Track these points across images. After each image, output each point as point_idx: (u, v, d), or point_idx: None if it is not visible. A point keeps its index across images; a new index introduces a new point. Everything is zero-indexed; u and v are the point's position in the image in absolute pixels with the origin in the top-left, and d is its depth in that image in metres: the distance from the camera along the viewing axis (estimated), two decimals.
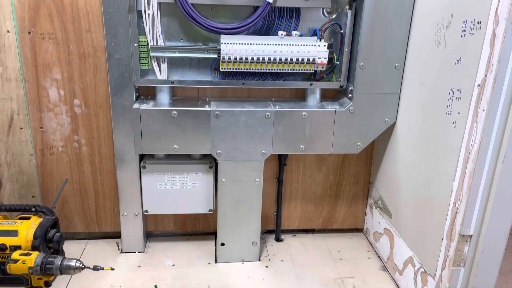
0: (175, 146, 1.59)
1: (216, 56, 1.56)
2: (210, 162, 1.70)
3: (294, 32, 1.57)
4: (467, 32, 1.17)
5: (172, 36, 1.59)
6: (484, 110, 1.10)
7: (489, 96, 1.08)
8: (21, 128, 1.66)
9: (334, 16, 1.62)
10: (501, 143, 1.12)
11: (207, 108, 1.56)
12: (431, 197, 1.37)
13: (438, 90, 1.32)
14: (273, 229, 1.97)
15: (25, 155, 1.70)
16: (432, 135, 1.36)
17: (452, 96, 1.24)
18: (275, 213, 1.93)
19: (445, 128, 1.28)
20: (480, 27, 1.11)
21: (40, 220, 1.53)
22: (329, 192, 1.93)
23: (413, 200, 1.51)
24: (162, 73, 1.59)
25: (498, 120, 1.10)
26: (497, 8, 1.04)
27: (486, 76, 1.09)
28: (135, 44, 1.51)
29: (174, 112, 1.55)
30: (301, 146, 1.64)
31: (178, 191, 1.71)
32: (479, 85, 1.12)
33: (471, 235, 1.23)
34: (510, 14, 1.01)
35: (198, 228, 1.94)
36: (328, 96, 1.76)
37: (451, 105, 1.24)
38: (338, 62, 1.64)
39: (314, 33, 1.61)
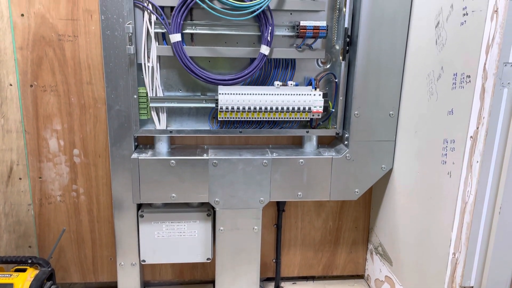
0: (173, 195, 1.59)
1: (214, 105, 1.60)
2: (208, 209, 1.69)
3: (290, 82, 1.61)
4: (457, 85, 1.20)
5: (171, 87, 1.63)
6: (477, 161, 1.12)
7: (482, 148, 1.10)
8: (20, 179, 1.67)
9: (328, 66, 1.67)
10: (497, 194, 1.12)
11: (205, 156, 1.58)
12: (431, 246, 1.36)
13: (432, 139, 1.34)
14: (273, 276, 1.93)
15: (23, 205, 1.70)
16: (429, 184, 1.37)
17: (446, 146, 1.25)
18: (274, 260, 1.91)
19: (440, 177, 1.29)
20: (470, 81, 1.14)
21: (36, 272, 1.51)
22: (329, 238, 1.91)
23: (413, 248, 1.49)
24: (161, 122, 1.62)
25: (492, 172, 1.11)
26: (485, 64, 1.08)
27: (478, 128, 1.11)
28: (135, 96, 1.54)
29: (172, 161, 1.56)
30: (299, 193, 1.64)
31: (176, 240, 1.69)
32: (471, 137, 1.13)
33: (472, 287, 1.21)
34: (498, 70, 1.05)
35: (196, 277, 1.90)
36: (325, 142, 1.78)
37: (446, 155, 1.26)
38: (333, 110, 1.67)
39: (309, 83, 1.65)
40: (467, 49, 1.15)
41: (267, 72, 1.65)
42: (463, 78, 1.17)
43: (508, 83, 1.06)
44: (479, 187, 1.13)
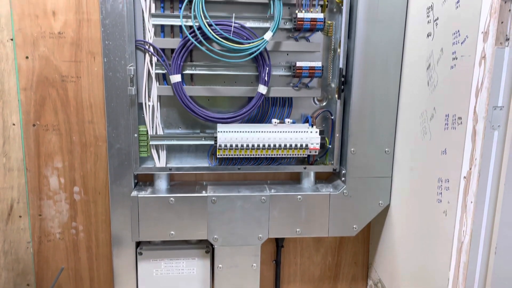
0: (172, 232, 1.60)
1: (213, 142, 1.63)
2: (207, 246, 1.70)
3: (287, 120, 1.64)
4: (449, 126, 1.23)
5: (171, 125, 1.67)
6: (471, 202, 1.13)
7: (475, 189, 1.12)
8: (20, 216, 1.68)
9: (324, 104, 1.71)
10: (492, 234, 1.14)
11: (204, 193, 1.60)
12: (430, 284, 1.36)
13: (427, 177, 1.36)
14: None
15: (22, 243, 1.70)
16: (425, 221, 1.38)
17: (441, 185, 1.27)
18: None
19: (436, 215, 1.30)
20: (461, 123, 1.17)
21: None
22: (328, 274, 1.90)
23: (412, 286, 1.49)
24: (160, 160, 1.64)
25: (486, 213, 1.12)
26: (475, 107, 1.11)
27: (470, 169, 1.14)
28: (135, 135, 1.57)
29: (171, 199, 1.58)
30: (298, 230, 1.65)
31: (175, 278, 1.69)
32: (464, 177, 1.16)
33: None
34: (487, 114, 1.08)
35: None
36: (322, 177, 1.81)
37: (441, 193, 1.28)
38: (330, 146, 1.70)
39: (306, 120, 1.69)
40: (457, 92, 1.19)
41: (265, 110, 1.69)
42: (455, 119, 1.20)
43: (498, 126, 1.09)
44: (474, 227, 1.14)
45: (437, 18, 1.31)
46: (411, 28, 1.48)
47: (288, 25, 1.59)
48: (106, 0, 1.46)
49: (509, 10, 1.03)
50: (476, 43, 1.10)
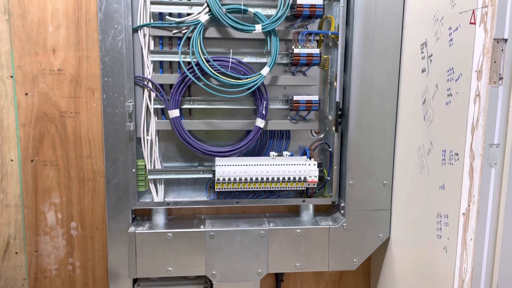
0: (170, 268, 1.58)
1: (211, 176, 1.62)
2: (205, 282, 1.67)
3: (285, 153, 1.65)
4: (447, 161, 1.23)
5: (169, 158, 1.67)
6: (471, 239, 1.13)
7: (475, 226, 1.12)
8: (16, 253, 1.66)
9: (322, 136, 1.71)
10: (492, 272, 1.12)
11: (202, 228, 1.59)
12: None
13: (426, 212, 1.36)
14: None
15: (18, 279, 1.68)
16: (426, 256, 1.37)
17: (440, 221, 1.27)
18: None
19: (437, 251, 1.29)
20: (458, 159, 1.17)
21: None
22: None
23: None
24: (158, 194, 1.64)
25: (487, 250, 1.12)
26: (471, 144, 1.12)
27: (469, 206, 1.13)
28: (133, 170, 1.57)
29: (169, 234, 1.56)
30: (297, 264, 1.63)
31: None
32: (463, 214, 1.15)
33: None
34: (484, 151, 1.08)
35: None
36: (321, 209, 1.80)
37: (440, 229, 1.27)
38: (328, 178, 1.70)
39: (304, 152, 1.69)
40: (453, 128, 1.20)
41: (263, 142, 1.69)
42: (452, 155, 1.21)
43: (495, 163, 1.09)
44: (474, 265, 1.13)
45: (431, 55, 1.33)
46: (406, 63, 1.50)
47: (285, 60, 1.61)
48: (105, 38, 1.48)
49: (502, 49, 1.05)
50: (470, 81, 1.12)
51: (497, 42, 1.04)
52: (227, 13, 1.50)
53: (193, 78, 1.52)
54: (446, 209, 1.24)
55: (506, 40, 1.04)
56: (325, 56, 1.65)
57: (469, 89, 1.12)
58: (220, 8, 1.49)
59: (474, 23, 1.10)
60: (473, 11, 1.10)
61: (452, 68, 1.21)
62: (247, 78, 1.54)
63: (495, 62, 1.05)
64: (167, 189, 1.67)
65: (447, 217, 1.23)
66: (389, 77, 1.55)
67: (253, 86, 1.54)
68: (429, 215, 1.34)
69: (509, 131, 1.07)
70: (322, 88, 1.69)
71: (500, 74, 1.06)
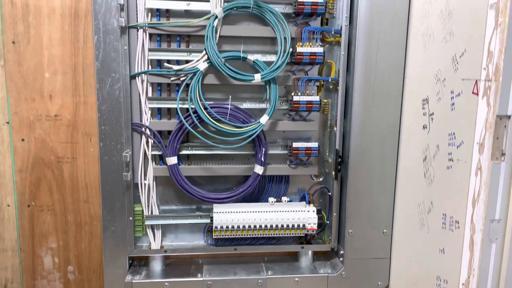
0: None
1: (209, 221, 1.61)
2: None
3: (284, 198, 1.63)
4: (447, 226, 1.21)
5: (167, 202, 1.66)
6: None
7: None
8: None
9: (321, 179, 1.70)
10: None
11: (199, 277, 1.57)
12: None
13: (425, 272, 1.34)
14: None
15: None
16: None
17: (440, 284, 1.25)
18: None
19: None
20: (459, 227, 1.15)
21: None
22: None
23: None
24: (156, 239, 1.62)
25: None
26: (472, 217, 1.10)
27: (469, 278, 1.12)
28: (130, 218, 1.56)
29: (166, 283, 1.55)
30: None
31: None
32: (463, 284, 1.14)
33: None
34: (485, 227, 1.06)
35: None
36: (321, 252, 1.78)
37: None
38: (328, 222, 1.68)
39: (303, 197, 1.67)
40: (454, 194, 1.18)
41: (261, 186, 1.68)
42: (452, 221, 1.19)
43: (496, 238, 1.07)
44: None
45: (433, 113, 1.31)
46: (407, 116, 1.48)
47: (285, 105, 1.59)
48: (102, 86, 1.46)
49: (505, 126, 1.03)
50: (472, 152, 1.10)
51: (500, 119, 1.02)
52: (226, 63, 1.48)
53: (190, 128, 1.51)
54: (446, 274, 1.22)
55: (509, 116, 1.02)
56: (325, 101, 1.63)
57: (471, 160, 1.10)
58: (218, 57, 1.47)
59: (477, 94, 1.08)
60: (476, 82, 1.08)
61: (454, 133, 1.18)
62: (245, 127, 1.52)
63: (497, 138, 1.03)
64: (164, 231, 1.66)
65: (447, 282, 1.22)
66: (390, 127, 1.52)
67: (251, 135, 1.52)
68: (428, 275, 1.32)
69: (510, 207, 1.05)
70: (322, 131, 1.67)
71: (502, 150, 1.04)
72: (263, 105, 1.58)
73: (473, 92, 1.09)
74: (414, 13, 1.40)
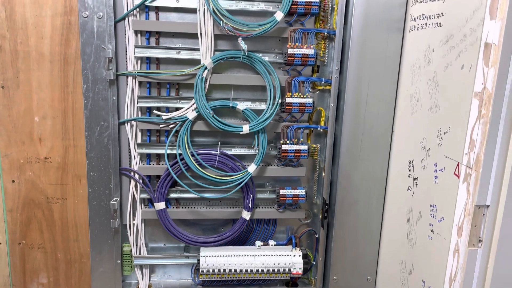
0: None
1: (196, 262, 1.63)
2: None
3: (270, 242, 1.65)
4: None
5: (155, 241, 1.68)
6: None
7: None
8: None
9: (309, 221, 1.72)
10: None
11: None
12: None
13: None
14: None
15: None
16: None
17: None
18: None
19: None
20: None
21: None
22: None
23: None
24: (144, 278, 1.66)
25: None
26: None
27: None
28: (118, 261, 1.58)
29: None
30: None
31: None
32: None
33: None
34: None
35: None
36: None
37: None
38: (314, 263, 1.71)
39: (289, 239, 1.69)
40: (433, 264, 1.20)
41: (249, 227, 1.70)
42: None
43: None
44: None
45: (417, 178, 1.31)
46: (393, 173, 1.48)
47: (274, 151, 1.60)
48: (91, 134, 1.47)
49: (483, 214, 1.04)
50: (451, 231, 1.11)
51: (479, 208, 1.03)
52: (214, 115, 1.48)
53: (175, 177, 1.52)
54: None
55: (488, 206, 1.02)
56: (314, 146, 1.63)
57: (450, 239, 1.11)
58: (207, 109, 1.47)
59: (458, 177, 1.08)
60: (458, 164, 1.08)
61: (436, 207, 1.19)
62: (233, 175, 1.53)
63: (475, 226, 1.04)
64: (153, 267, 1.70)
65: None
66: (376, 182, 1.53)
67: (239, 184, 1.53)
68: None
69: None
70: (311, 174, 1.68)
71: (480, 237, 1.05)
72: (252, 151, 1.58)
73: (454, 173, 1.10)
74: (405, 72, 1.39)
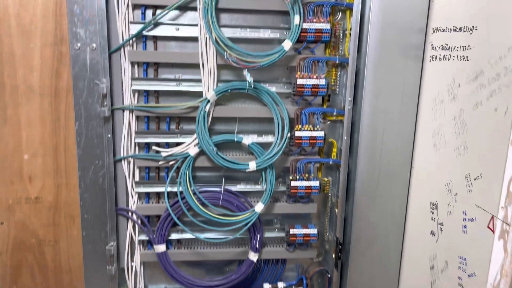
0: None
1: None
2: None
3: (280, 285, 1.54)
4: None
5: (155, 283, 1.58)
6: None
7: None
8: None
9: (321, 259, 1.60)
10: None
11: None
12: None
13: None
14: None
15: None
16: None
17: None
18: None
19: None
20: None
21: None
22: None
23: None
24: None
25: None
26: None
27: None
28: None
29: None
30: None
31: None
32: None
33: None
34: None
35: None
36: None
37: None
38: None
39: (299, 280, 1.58)
40: None
41: (257, 267, 1.58)
42: None
43: None
44: None
45: (442, 223, 1.19)
46: (414, 214, 1.35)
47: (282, 187, 1.48)
48: (85, 174, 1.36)
49: None
50: None
51: None
52: (218, 152, 1.37)
53: (176, 219, 1.41)
54: None
55: None
56: (326, 179, 1.52)
57: None
58: (210, 145, 1.36)
59: (493, 232, 0.96)
60: (492, 217, 0.97)
61: (465, 259, 1.08)
62: (239, 215, 1.42)
63: None
64: None
65: None
66: (394, 221, 1.40)
67: (245, 225, 1.41)
68: None
69: None
70: (322, 209, 1.57)
71: None
72: (259, 187, 1.47)
73: (488, 226, 0.98)
74: (425, 104, 1.27)
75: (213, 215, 1.40)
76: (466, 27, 1.06)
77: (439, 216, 1.21)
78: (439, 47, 1.18)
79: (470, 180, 1.05)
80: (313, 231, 1.48)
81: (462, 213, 1.09)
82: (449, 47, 1.13)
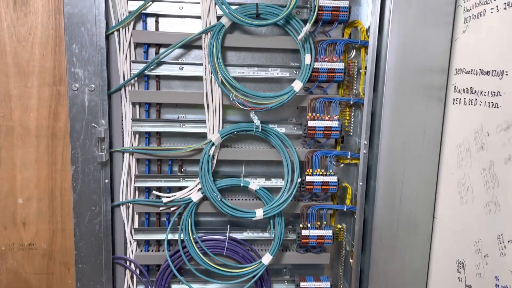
0: None
1: None
2: None
3: None
4: None
5: None
6: None
7: None
8: None
9: None
10: None
11: None
12: None
13: None
14: None
15: None
16: None
17: None
18: None
19: None
20: None
21: None
22: None
23: None
24: None
25: None
26: None
27: None
28: None
29: None
30: None
31: None
32: None
33: None
34: None
35: None
36: None
37: None
38: None
39: None
40: None
41: None
42: None
43: None
44: None
45: (470, 286, 1.07)
46: (437, 268, 1.23)
47: (292, 235, 1.37)
48: (80, 221, 1.27)
49: None
50: None
51: None
52: (222, 199, 1.27)
53: (175, 272, 1.30)
54: None
55: None
56: (339, 226, 1.41)
57: None
58: (214, 192, 1.26)
59: None
60: None
61: None
62: (245, 267, 1.31)
63: None
64: None
65: None
66: (415, 277, 1.27)
67: (252, 278, 1.30)
68: None
69: None
70: (336, 259, 1.45)
71: None
72: (266, 235, 1.36)
73: None
74: (448, 151, 1.17)
75: (217, 267, 1.29)
76: (495, 71, 0.96)
77: (467, 277, 1.08)
78: (464, 90, 1.08)
79: (503, 242, 0.93)
80: (327, 284, 1.36)
81: (495, 278, 0.96)
82: (475, 91, 1.03)
